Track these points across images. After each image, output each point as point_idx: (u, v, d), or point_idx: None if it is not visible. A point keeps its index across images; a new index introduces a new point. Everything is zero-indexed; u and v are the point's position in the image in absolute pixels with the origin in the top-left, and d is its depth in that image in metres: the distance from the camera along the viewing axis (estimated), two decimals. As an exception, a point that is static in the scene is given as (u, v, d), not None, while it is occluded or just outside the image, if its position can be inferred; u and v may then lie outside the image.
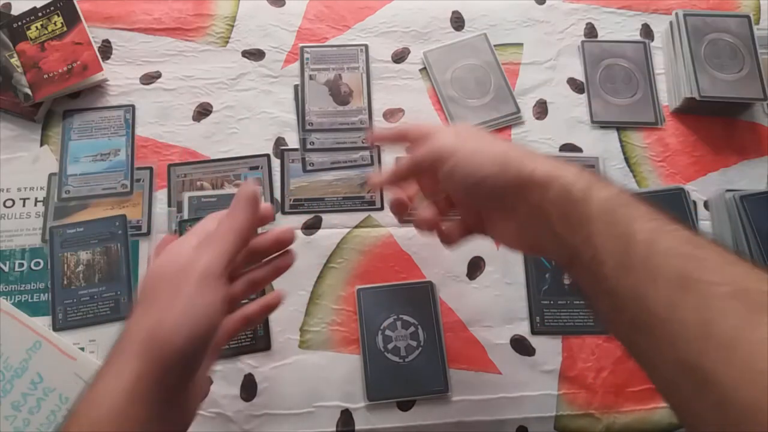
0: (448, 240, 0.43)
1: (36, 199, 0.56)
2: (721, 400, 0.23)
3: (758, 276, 0.26)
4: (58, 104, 0.59)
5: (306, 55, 0.62)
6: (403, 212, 0.45)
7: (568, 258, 0.33)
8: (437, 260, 0.56)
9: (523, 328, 0.54)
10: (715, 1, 0.68)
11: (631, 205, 0.30)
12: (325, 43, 0.63)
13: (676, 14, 0.63)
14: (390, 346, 0.52)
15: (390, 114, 0.61)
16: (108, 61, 0.61)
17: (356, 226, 0.57)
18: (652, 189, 0.59)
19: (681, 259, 0.27)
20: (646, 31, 0.66)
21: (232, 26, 0.63)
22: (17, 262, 0.54)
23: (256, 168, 0.58)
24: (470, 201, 0.40)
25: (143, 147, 0.58)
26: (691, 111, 0.62)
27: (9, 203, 0.55)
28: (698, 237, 0.28)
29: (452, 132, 0.40)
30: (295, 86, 0.61)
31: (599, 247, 0.30)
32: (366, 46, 0.63)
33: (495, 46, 0.64)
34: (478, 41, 0.64)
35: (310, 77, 0.61)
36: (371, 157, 0.59)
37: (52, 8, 0.60)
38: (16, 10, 0.61)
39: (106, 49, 0.61)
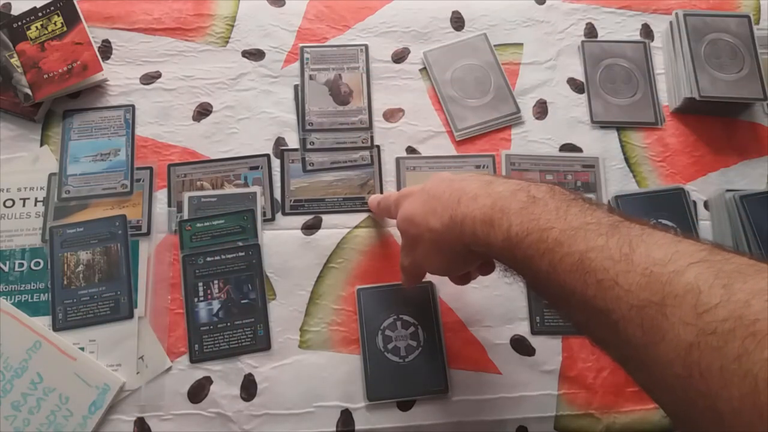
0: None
1: (36, 199, 0.56)
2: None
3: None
4: (58, 104, 0.59)
5: (306, 55, 0.62)
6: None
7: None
8: (437, 260, 0.56)
9: (523, 328, 0.54)
10: (715, 1, 0.68)
11: (521, 244, 0.33)
12: (325, 43, 0.63)
13: (676, 14, 0.63)
14: (390, 346, 0.52)
15: (390, 114, 0.61)
16: (108, 61, 0.61)
17: (356, 227, 0.57)
18: (652, 189, 0.59)
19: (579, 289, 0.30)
20: (646, 31, 0.66)
21: (232, 26, 0.63)
22: (17, 262, 0.54)
23: (256, 168, 0.58)
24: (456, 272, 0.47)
25: (143, 147, 0.58)
26: (691, 111, 0.62)
27: (9, 203, 0.55)
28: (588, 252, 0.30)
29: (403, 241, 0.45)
30: (295, 86, 0.61)
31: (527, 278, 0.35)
32: (366, 46, 0.63)
33: (495, 46, 0.64)
34: (478, 41, 0.64)
35: (310, 77, 0.61)
36: (371, 156, 0.59)
37: (52, 8, 0.60)
38: (16, 10, 0.61)
39: (106, 49, 0.61)
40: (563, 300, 0.31)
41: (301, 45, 0.62)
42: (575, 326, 0.32)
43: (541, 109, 0.62)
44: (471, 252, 0.38)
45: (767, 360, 0.22)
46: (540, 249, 0.31)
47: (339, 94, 0.60)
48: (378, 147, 0.59)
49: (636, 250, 0.28)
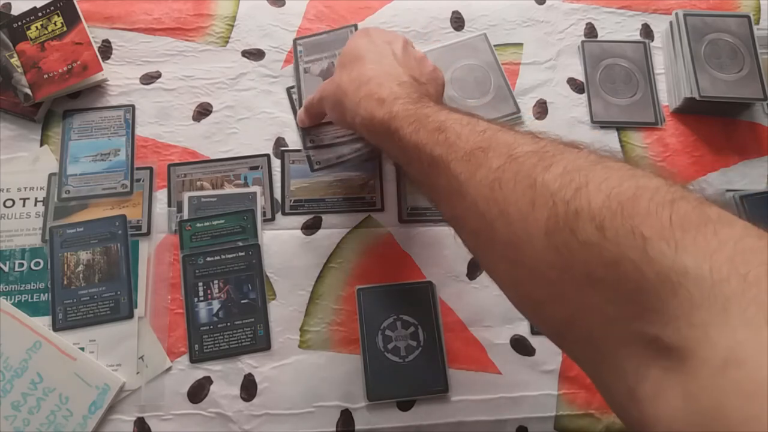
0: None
1: (36, 199, 0.56)
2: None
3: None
4: (58, 104, 0.59)
5: (299, 48, 0.60)
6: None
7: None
8: (437, 260, 0.56)
9: (523, 328, 0.54)
10: (715, 1, 0.68)
11: (396, 118, 0.39)
12: (317, 32, 0.62)
13: (676, 14, 0.63)
14: (390, 346, 0.52)
15: (390, 114, 0.61)
16: (108, 61, 0.61)
17: (356, 226, 0.57)
18: (652, 189, 0.59)
19: (430, 147, 0.36)
20: (646, 31, 0.66)
21: (232, 26, 0.63)
22: (17, 262, 0.54)
23: (256, 168, 0.58)
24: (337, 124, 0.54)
25: (143, 147, 0.58)
26: (691, 111, 0.62)
27: (9, 203, 0.55)
28: (444, 124, 0.36)
29: (336, 73, 0.49)
30: (288, 89, 0.60)
31: (389, 151, 0.42)
32: (355, 25, 0.61)
33: (495, 46, 0.64)
34: (478, 41, 0.64)
35: (305, 70, 0.59)
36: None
37: (52, 8, 0.60)
38: (16, 10, 0.61)
39: (106, 49, 0.61)
40: (415, 158, 0.37)
41: (294, 39, 0.61)
42: (415, 179, 0.39)
43: (541, 109, 0.62)
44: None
45: (550, 170, 0.28)
46: (410, 120, 0.38)
47: None
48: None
49: (480, 121, 0.36)
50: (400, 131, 0.38)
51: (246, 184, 0.57)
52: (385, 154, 0.42)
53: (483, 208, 0.30)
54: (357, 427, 0.50)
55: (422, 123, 0.37)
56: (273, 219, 0.57)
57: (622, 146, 0.61)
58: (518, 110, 0.61)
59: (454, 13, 0.66)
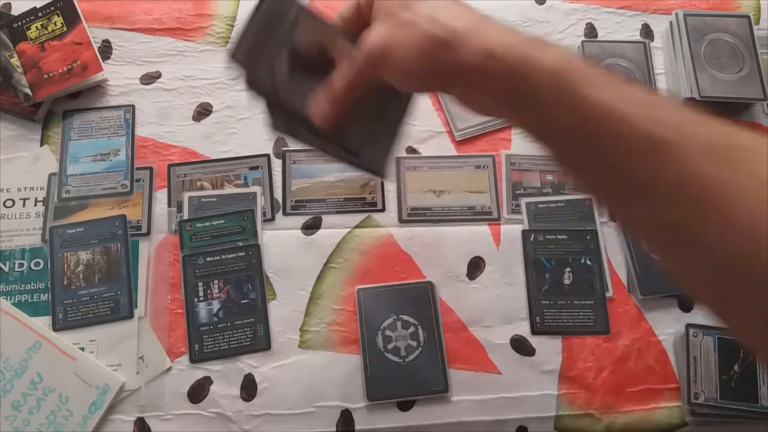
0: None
1: (36, 199, 0.56)
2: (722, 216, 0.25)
3: (721, 127, 0.27)
4: (58, 104, 0.59)
5: None
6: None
7: (527, 127, 0.32)
8: (437, 260, 0.56)
9: (523, 328, 0.54)
10: (715, 1, 0.68)
11: (576, 69, 0.29)
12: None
13: (676, 14, 0.63)
14: (390, 346, 0.52)
15: (390, 114, 0.61)
16: (108, 61, 0.61)
17: (356, 226, 0.57)
18: (652, 189, 0.59)
19: (644, 123, 0.27)
20: (646, 31, 0.66)
21: (232, 26, 0.63)
22: (17, 262, 0.54)
23: (256, 168, 0.58)
24: (417, 88, 0.38)
25: (143, 147, 0.58)
26: (691, 111, 0.62)
27: (9, 203, 0.55)
28: (654, 94, 0.29)
29: (386, 19, 0.34)
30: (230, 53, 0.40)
31: (552, 118, 0.29)
32: None
33: (495, 46, 0.64)
34: (478, 41, 0.64)
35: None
36: None
37: (52, 8, 0.60)
38: (16, 10, 0.61)
39: (106, 49, 0.61)
40: (613, 132, 0.27)
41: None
42: (588, 160, 0.29)
43: (541, 109, 0.62)
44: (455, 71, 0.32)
45: None
46: (598, 75, 0.28)
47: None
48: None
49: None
50: (585, 87, 0.27)
51: (246, 184, 0.57)
52: (510, 118, 0.33)
53: (756, 226, 0.24)
54: (357, 427, 0.50)
55: (621, 87, 0.28)
56: (273, 219, 0.57)
57: (622, 146, 0.61)
58: (518, 110, 0.61)
59: (454, 13, 0.65)
